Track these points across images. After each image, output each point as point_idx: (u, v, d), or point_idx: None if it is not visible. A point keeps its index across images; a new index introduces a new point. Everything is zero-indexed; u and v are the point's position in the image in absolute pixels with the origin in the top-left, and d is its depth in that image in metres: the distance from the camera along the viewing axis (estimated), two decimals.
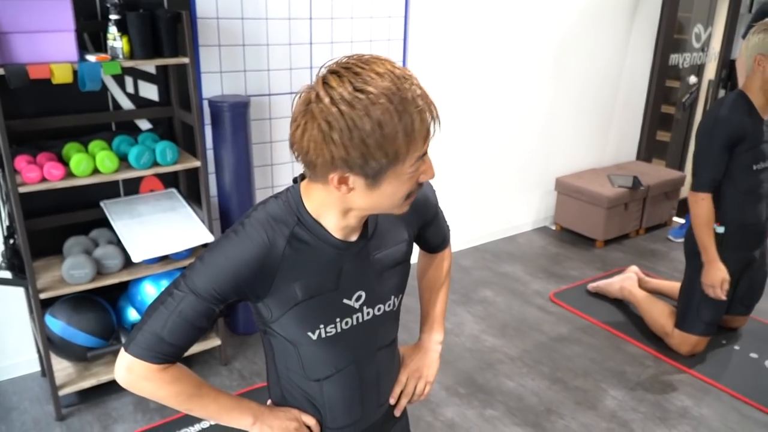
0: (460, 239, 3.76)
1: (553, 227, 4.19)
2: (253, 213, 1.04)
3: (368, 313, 1.14)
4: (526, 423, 2.30)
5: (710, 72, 4.93)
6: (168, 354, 1.02)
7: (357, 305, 1.11)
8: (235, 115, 2.48)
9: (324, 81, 0.90)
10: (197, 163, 2.35)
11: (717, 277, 2.49)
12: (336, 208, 1.01)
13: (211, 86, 2.61)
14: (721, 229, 2.54)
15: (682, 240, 3.39)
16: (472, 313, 3.07)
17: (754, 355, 2.75)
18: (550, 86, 3.86)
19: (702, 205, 2.49)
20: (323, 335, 1.09)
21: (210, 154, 2.61)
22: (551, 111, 3.94)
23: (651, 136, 4.59)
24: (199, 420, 2.25)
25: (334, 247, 1.05)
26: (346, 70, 0.90)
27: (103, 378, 2.33)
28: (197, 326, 1.02)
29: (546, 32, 3.70)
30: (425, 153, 0.95)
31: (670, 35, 4.37)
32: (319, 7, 2.78)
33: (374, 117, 0.87)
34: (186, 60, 2.23)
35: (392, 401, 1.27)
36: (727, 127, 2.41)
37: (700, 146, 2.49)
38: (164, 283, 2.39)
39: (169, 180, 2.59)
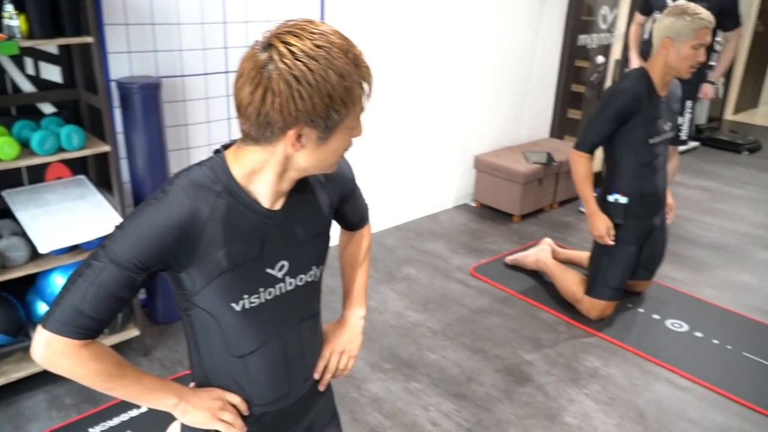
0: (383, 219, 3.81)
1: (473, 204, 4.30)
2: (176, 179, 1.03)
3: (291, 284, 1.15)
4: (449, 393, 2.39)
5: (616, 52, 5.16)
6: (88, 328, 1.00)
7: (280, 275, 1.12)
8: (145, 97, 2.40)
9: (282, 40, 0.92)
10: (106, 148, 2.27)
11: (602, 226, 2.70)
12: (274, 170, 1.03)
13: (119, 67, 2.51)
14: (624, 200, 2.70)
15: None
16: (395, 290, 3.13)
17: (656, 317, 2.95)
18: (468, 67, 3.95)
19: (580, 162, 2.70)
20: (247, 306, 1.09)
21: (121, 138, 2.52)
22: (469, 91, 4.03)
23: (562, 114, 4.78)
24: (117, 413, 2.20)
25: (259, 215, 1.06)
26: (301, 30, 0.93)
27: (13, 376, 2.23)
28: (118, 297, 1.00)
29: (462, 14, 3.77)
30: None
31: (579, 17, 4.54)
32: None
33: (337, 70, 0.92)
34: (90, 39, 2.14)
35: (317, 376, 1.29)
36: (623, 99, 2.57)
37: (595, 111, 2.67)
38: None
39: (77, 167, 2.49)
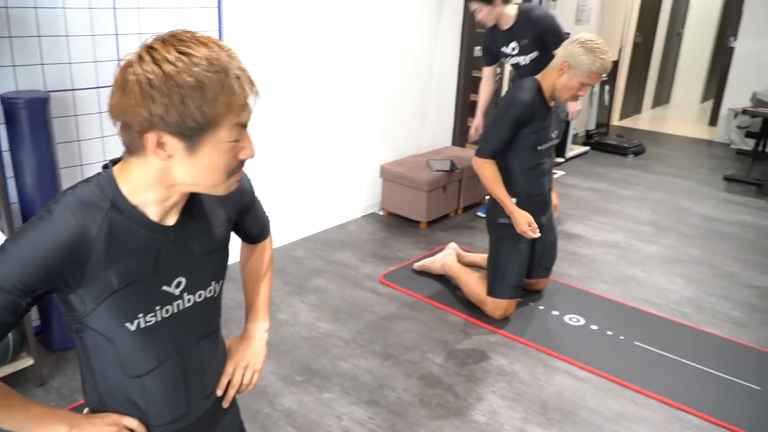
0: (291, 231, 3.79)
1: (381, 213, 4.37)
2: (61, 198, 0.99)
3: (189, 300, 1.13)
4: (361, 401, 2.41)
5: None
6: None
7: (177, 292, 1.10)
8: (32, 112, 2.28)
9: (148, 46, 0.93)
10: None
11: (523, 221, 2.77)
12: (158, 183, 1.00)
13: (4, 81, 2.37)
14: (513, 201, 2.85)
15: None
16: (306, 302, 3.12)
17: (555, 313, 3.11)
18: (370, 79, 4.02)
19: (486, 167, 2.80)
20: (142, 325, 1.06)
21: (7, 156, 2.38)
22: (372, 102, 4.09)
23: (463, 122, 4.95)
24: None
25: (151, 231, 1.04)
26: (171, 37, 0.94)
27: None
28: (1, 322, 0.95)
29: (363, 27, 3.83)
30: (244, 126, 0.98)
31: (474, 29, 4.73)
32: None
33: (195, 77, 0.90)
34: None
35: (219, 392, 1.27)
36: (519, 108, 2.71)
37: (493, 119, 2.79)
38: None
39: None
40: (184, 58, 0.91)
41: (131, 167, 1.01)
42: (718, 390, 2.54)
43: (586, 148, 6.38)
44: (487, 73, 4.03)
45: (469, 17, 4.61)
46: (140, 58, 0.92)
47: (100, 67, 2.65)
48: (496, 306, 2.96)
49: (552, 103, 2.81)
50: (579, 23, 6.29)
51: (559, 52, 2.69)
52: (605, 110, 7.12)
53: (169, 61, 0.90)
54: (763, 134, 5.80)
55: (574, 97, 2.71)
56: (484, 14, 3.57)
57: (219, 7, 3.02)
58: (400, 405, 2.40)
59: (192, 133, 0.94)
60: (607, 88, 6.77)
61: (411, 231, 4.09)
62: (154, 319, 1.07)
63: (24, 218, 2.42)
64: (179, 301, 1.11)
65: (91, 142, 2.70)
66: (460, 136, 4.94)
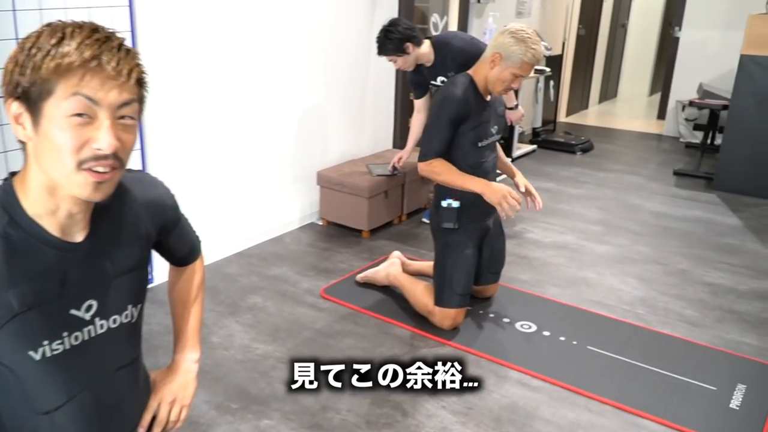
0: (223, 246, 3.74)
1: (320, 222, 4.36)
2: None
3: (102, 326, 1.09)
4: (303, 425, 2.39)
5: None
6: None
7: (88, 317, 1.06)
8: None
9: None
10: None
11: (497, 193, 2.67)
12: (40, 183, 0.98)
13: None
14: (456, 204, 2.91)
15: None
16: (241, 322, 3.08)
17: (506, 320, 3.17)
18: (302, 81, 4.01)
19: (435, 165, 2.80)
20: (48, 354, 1.02)
21: None
22: (305, 105, 4.09)
23: (403, 123, 4.99)
24: None
25: (56, 248, 1.00)
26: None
27: None
28: None
29: (293, 28, 3.83)
30: (91, 100, 0.93)
31: None
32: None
33: (35, 39, 0.93)
34: None
35: (141, 431, 1.25)
36: (453, 104, 2.77)
37: (430, 120, 2.84)
38: None
39: None
40: (47, 29, 0.95)
41: (25, 170, 0.99)
42: (674, 392, 2.64)
43: (533, 147, 6.54)
44: (419, 106, 4.04)
45: (403, 14, 4.66)
46: None
47: None
48: (445, 316, 2.99)
49: (488, 98, 2.88)
50: (520, 16, 6.46)
51: (490, 44, 2.76)
52: (551, 107, 7.33)
53: (32, 36, 0.95)
54: (710, 126, 6.08)
55: (508, 90, 2.78)
56: (400, 63, 3.69)
57: (131, 5, 2.96)
58: (345, 428, 2.39)
59: (29, 98, 0.93)
60: (552, 83, 6.97)
61: (352, 241, 4.10)
62: (61, 347, 1.03)
63: None
64: (90, 327, 1.07)
65: None
66: (401, 138, 4.99)
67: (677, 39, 7.23)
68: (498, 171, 3.19)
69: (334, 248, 3.98)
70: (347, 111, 4.49)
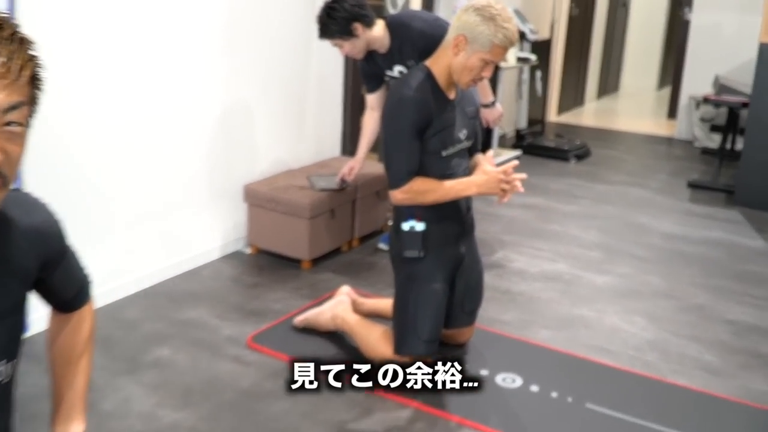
0: (119, 282, 3.64)
1: (248, 250, 4.30)
2: None
3: None
4: None
5: None
6: None
7: None
8: None
9: None
10: None
11: (493, 181, 2.80)
12: None
13: None
14: (421, 226, 2.89)
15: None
16: (142, 383, 2.99)
17: (484, 372, 3.14)
18: (224, 72, 3.97)
19: (414, 187, 2.81)
20: None
21: None
22: (229, 102, 4.04)
23: (354, 124, 4.98)
24: None
25: None
26: None
27: None
28: None
29: (210, 8, 3.79)
30: None
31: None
32: None
33: None
34: None
35: None
36: (413, 109, 2.75)
37: (387, 136, 2.82)
38: None
39: None
40: None
41: None
42: None
43: (517, 153, 6.61)
44: (371, 102, 4.02)
45: None
46: None
47: None
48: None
49: (452, 94, 2.87)
50: None
51: (452, 25, 2.77)
52: (539, 103, 7.43)
53: None
54: (729, 128, 6.22)
55: (477, 80, 2.78)
56: (348, 49, 3.67)
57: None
58: None
59: None
60: (539, 75, 7.07)
61: (289, 273, 4.04)
62: None
63: None
64: None
65: None
66: (352, 142, 4.97)
67: (688, 22, 7.42)
68: None
69: (265, 283, 3.92)
70: (283, 109, 4.46)
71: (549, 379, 3.11)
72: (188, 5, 3.70)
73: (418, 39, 3.55)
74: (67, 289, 1.35)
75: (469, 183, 2.85)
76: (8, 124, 0.98)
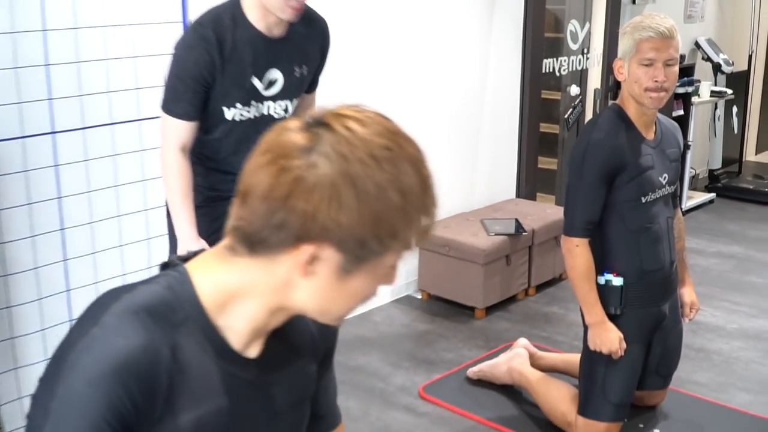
0: None
1: (419, 296, 4.35)
2: (113, 305, 0.97)
3: None
4: None
5: (594, 79, 5.47)
6: None
7: None
8: None
9: (340, 119, 0.96)
10: None
11: (610, 339, 2.75)
12: (264, 299, 1.00)
13: None
14: (618, 281, 2.80)
15: None
16: None
17: None
18: (397, 115, 4.06)
19: (576, 253, 2.77)
20: None
21: None
22: None
23: (531, 165, 4.97)
24: None
25: (227, 362, 1.02)
26: (362, 115, 0.99)
27: None
28: None
29: (385, 43, 3.94)
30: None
31: (540, 34, 4.81)
32: (55, 12, 2.76)
33: (403, 186, 0.95)
34: None
35: None
36: (600, 154, 2.71)
37: (571, 180, 2.80)
38: None
39: None
40: (389, 154, 0.95)
41: (228, 268, 1.00)
42: None
43: (711, 196, 6.33)
44: (183, 137, 2.46)
45: (532, 19, 4.68)
46: (337, 135, 0.93)
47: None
48: (591, 430, 2.88)
49: (651, 134, 2.80)
50: (690, 20, 6.37)
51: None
52: (735, 141, 7.10)
53: (374, 156, 0.93)
54: None
55: (655, 90, 2.67)
56: None
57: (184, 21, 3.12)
58: None
59: (364, 256, 0.95)
60: (735, 110, 6.77)
61: (462, 321, 4.06)
62: None
63: None
64: None
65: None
66: (527, 185, 4.95)
67: None
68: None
69: (438, 331, 3.95)
70: (455, 150, 4.52)
71: None
72: (375, 60, 3.84)
73: (326, 44, 2.71)
74: (324, 401, 1.31)
75: (598, 315, 2.79)
76: None
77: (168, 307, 0.98)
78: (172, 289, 0.99)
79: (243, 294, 1.00)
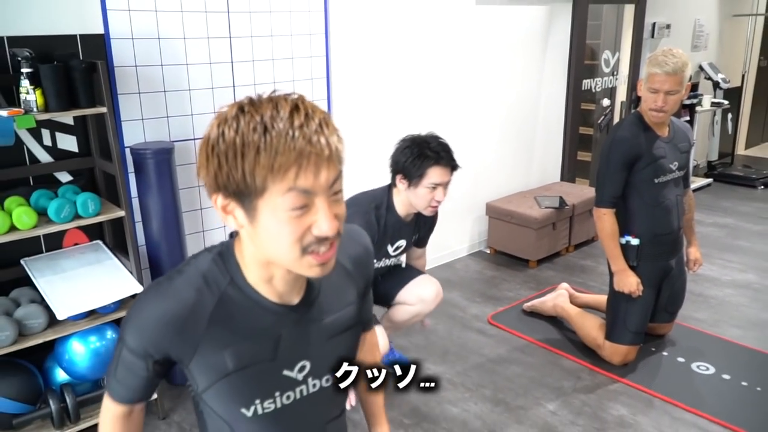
0: None
1: (488, 251, 4.28)
2: (184, 267, 0.97)
3: (314, 385, 1.04)
4: None
5: (621, 94, 5.22)
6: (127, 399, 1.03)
7: (300, 377, 1.02)
8: (158, 162, 2.45)
9: (238, 106, 0.88)
10: (121, 213, 2.31)
11: (630, 283, 2.68)
12: (255, 258, 0.94)
13: (134, 134, 2.58)
14: (636, 241, 2.68)
15: None
16: (413, 342, 3.08)
17: (681, 359, 2.87)
18: (476, 116, 4.00)
19: (604, 220, 2.68)
20: (260, 411, 0.99)
21: (135, 202, 2.57)
22: (477, 139, 4.06)
23: (572, 157, 4.79)
24: None
25: (271, 312, 0.97)
26: (260, 98, 0.88)
27: None
28: (143, 376, 0.99)
29: (470, 63, 3.84)
30: (307, 192, 0.85)
31: (581, 61, 4.61)
32: (239, 51, 2.81)
33: (240, 136, 0.83)
34: (104, 109, 2.21)
35: None
36: (622, 147, 2.61)
37: (601, 165, 2.69)
38: (93, 339, 2.30)
39: (94, 232, 2.53)
40: (245, 117, 0.84)
41: (241, 240, 0.96)
42: None
43: (709, 180, 5.97)
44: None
45: (575, 50, 4.49)
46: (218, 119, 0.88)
47: None
48: (615, 351, 2.78)
49: (664, 132, 2.65)
50: (696, 49, 5.97)
51: None
52: (728, 139, 6.66)
53: (228, 121, 0.85)
54: None
55: (654, 110, 2.55)
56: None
57: (327, 55, 3.13)
58: None
59: (243, 198, 0.86)
60: (730, 116, 6.34)
61: (519, 270, 3.97)
62: (273, 406, 1.00)
63: (150, 259, 2.58)
64: (302, 387, 1.03)
65: None
66: (569, 172, 4.78)
67: None
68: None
69: (501, 276, 3.88)
70: (517, 145, 4.39)
71: (739, 370, 2.78)
72: (456, 73, 3.77)
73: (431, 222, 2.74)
74: (366, 311, 1.21)
75: (620, 264, 2.69)
76: (335, 193, 0.88)
77: (217, 272, 0.96)
78: (223, 256, 0.97)
79: (248, 258, 0.95)
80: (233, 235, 0.99)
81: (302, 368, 1.02)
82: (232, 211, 0.89)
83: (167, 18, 2.56)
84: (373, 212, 2.39)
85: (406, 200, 2.41)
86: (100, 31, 2.41)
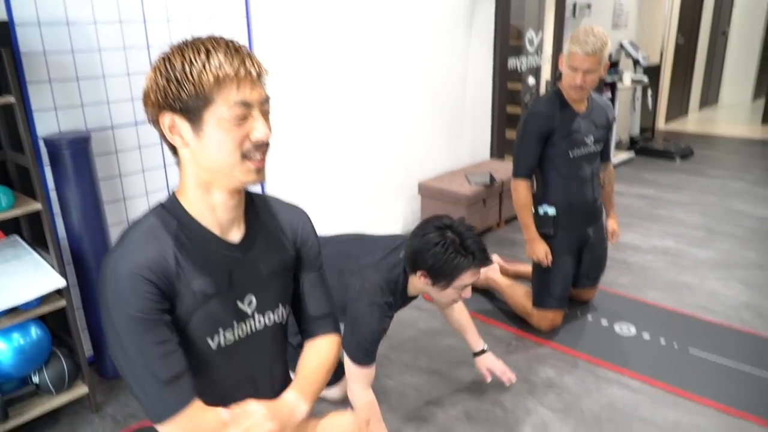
0: None
1: None
2: (130, 230, 1.07)
3: (260, 321, 1.17)
4: (409, 418, 2.39)
5: (546, 72, 5.38)
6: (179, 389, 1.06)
7: (249, 311, 1.15)
8: (75, 152, 2.38)
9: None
10: (38, 206, 2.24)
11: (540, 250, 2.81)
12: (197, 182, 1.06)
13: (47, 124, 2.49)
14: (552, 210, 2.81)
15: None
16: None
17: (604, 322, 3.03)
18: (403, 95, 4.05)
19: (519, 190, 2.78)
20: (222, 344, 1.11)
21: (54, 195, 2.49)
22: (407, 119, 4.12)
23: (500, 135, 4.92)
24: None
25: (219, 247, 1.10)
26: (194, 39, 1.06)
27: None
28: (168, 333, 1.03)
29: (395, 42, 3.88)
30: (247, 105, 1.02)
31: (506, 41, 4.72)
32: (155, 35, 2.75)
33: (185, 55, 1.01)
34: (11, 99, 2.13)
35: None
36: (537, 121, 2.71)
37: (517, 138, 2.79)
38: (16, 336, 2.24)
39: (9, 227, 2.44)
40: (188, 48, 1.02)
41: (180, 176, 1.08)
42: None
43: (631, 154, 6.24)
44: None
45: (500, 30, 4.60)
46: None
47: (137, 104, 2.75)
48: (543, 317, 2.90)
49: (582, 108, 2.76)
50: (616, 28, 6.20)
51: None
52: (649, 115, 6.96)
53: (172, 53, 1.02)
54: None
55: (576, 87, 2.62)
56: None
57: (248, 17, 3.08)
58: (447, 421, 2.36)
59: (191, 112, 1.00)
60: (650, 92, 6.63)
61: None
62: (232, 337, 1.12)
63: (73, 252, 2.52)
64: (251, 321, 1.15)
65: (132, 177, 2.79)
66: (498, 149, 4.91)
67: None
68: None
69: None
70: (447, 124, 4.47)
71: (658, 330, 2.95)
72: (382, 52, 3.80)
73: None
74: (315, 303, 1.27)
75: (531, 233, 2.83)
76: (266, 112, 1.06)
77: (164, 221, 1.07)
78: (166, 207, 1.10)
79: (189, 187, 1.08)
80: (172, 193, 1.13)
81: (250, 302, 1.15)
82: (178, 131, 1.02)
83: (75, 3, 2.49)
84: (386, 308, 2.09)
85: (423, 289, 2.13)
86: (3, 17, 2.31)
